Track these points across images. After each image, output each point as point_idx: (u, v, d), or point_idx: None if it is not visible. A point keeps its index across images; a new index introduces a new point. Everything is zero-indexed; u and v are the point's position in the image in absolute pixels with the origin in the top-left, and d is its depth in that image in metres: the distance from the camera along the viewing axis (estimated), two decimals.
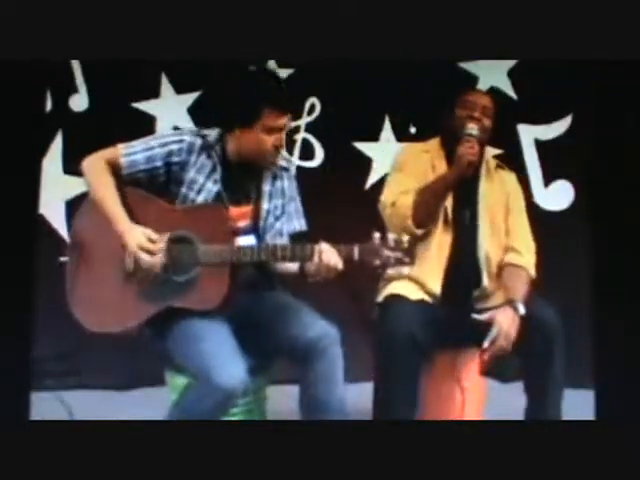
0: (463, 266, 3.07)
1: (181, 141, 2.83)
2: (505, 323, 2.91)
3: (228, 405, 2.66)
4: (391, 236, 2.68)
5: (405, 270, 2.79)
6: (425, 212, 2.99)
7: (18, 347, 3.34)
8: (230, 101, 2.85)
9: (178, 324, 2.74)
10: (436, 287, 3.04)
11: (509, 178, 3.26)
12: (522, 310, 2.93)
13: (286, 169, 2.98)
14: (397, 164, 3.20)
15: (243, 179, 2.88)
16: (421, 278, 3.05)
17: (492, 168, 3.20)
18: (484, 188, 3.15)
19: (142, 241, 2.71)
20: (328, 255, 2.65)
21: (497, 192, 3.17)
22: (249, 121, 2.76)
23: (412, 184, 3.07)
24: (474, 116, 3.06)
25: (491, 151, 3.87)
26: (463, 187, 3.06)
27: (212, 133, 2.87)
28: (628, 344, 3.40)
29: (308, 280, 2.77)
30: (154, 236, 2.73)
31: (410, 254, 2.68)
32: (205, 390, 2.61)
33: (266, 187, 2.91)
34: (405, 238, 2.68)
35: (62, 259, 2.89)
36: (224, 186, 2.84)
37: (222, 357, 2.63)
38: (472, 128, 3.02)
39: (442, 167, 3.11)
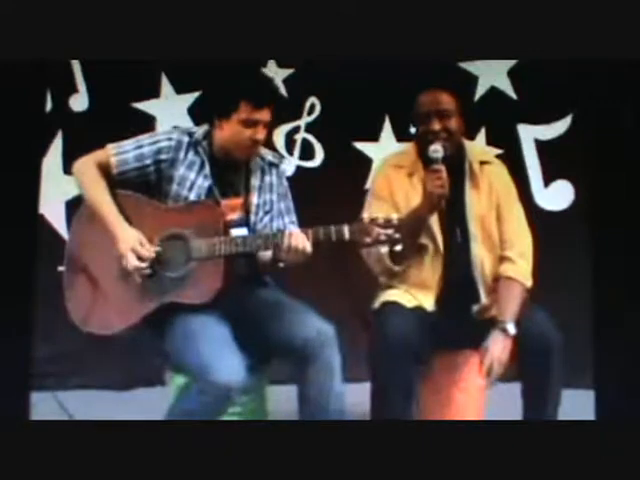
0: (459, 284, 2.99)
1: (169, 139, 2.87)
2: (497, 351, 2.87)
3: (227, 402, 2.65)
4: (380, 215, 2.66)
5: (384, 249, 2.77)
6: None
7: (18, 347, 3.35)
8: (211, 92, 2.86)
9: (175, 322, 2.75)
10: (431, 307, 2.98)
11: (498, 173, 3.12)
12: (512, 330, 2.88)
13: (275, 165, 2.99)
14: (373, 189, 3.10)
15: (231, 173, 2.91)
16: (417, 299, 3.00)
17: (477, 169, 3.06)
18: (470, 196, 3.04)
19: (134, 244, 2.74)
20: (296, 239, 2.68)
21: (485, 197, 3.05)
22: (226, 112, 2.80)
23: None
24: (434, 130, 2.94)
25: (491, 151, 3.90)
26: (449, 202, 2.93)
27: (199, 130, 2.91)
28: (628, 344, 3.40)
29: (279, 265, 2.81)
30: (146, 242, 2.75)
31: (401, 230, 2.66)
32: (203, 387, 2.61)
33: (255, 182, 2.93)
34: (395, 216, 2.66)
35: (60, 268, 2.90)
36: (214, 181, 2.86)
37: (220, 354, 2.63)
38: (435, 151, 2.87)
39: (421, 177, 3.00)
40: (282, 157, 3.06)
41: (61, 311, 2.89)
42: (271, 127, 2.96)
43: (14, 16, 2.73)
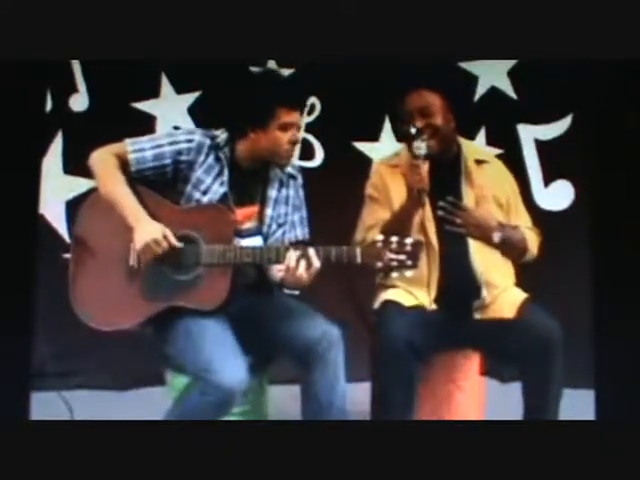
0: (459, 282, 2.99)
1: (191, 140, 2.83)
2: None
3: (228, 405, 2.65)
4: (394, 238, 2.66)
5: (395, 274, 2.77)
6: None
7: (18, 347, 3.35)
8: (242, 105, 2.87)
9: (179, 324, 2.75)
10: (430, 305, 2.97)
11: (495, 170, 3.15)
12: (496, 238, 2.97)
13: (294, 177, 2.98)
14: (369, 192, 3.12)
15: (250, 183, 2.89)
16: (416, 297, 2.99)
17: (472, 167, 3.08)
18: (466, 194, 3.06)
19: (158, 236, 2.69)
20: (294, 266, 2.66)
21: (482, 194, 3.06)
22: (264, 122, 2.79)
23: (383, 214, 3.01)
24: (417, 127, 2.96)
25: (491, 151, 3.90)
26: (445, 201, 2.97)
27: (222, 135, 2.88)
28: (628, 344, 3.40)
29: (283, 286, 2.83)
30: (169, 234, 2.72)
31: (413, 257, 2.66)
32: (206, 390, 2.61)
33: (272, 193, 2.91)
34: (408, 240, 2.66)
35: (66, 256, 2.89)
36: (230, 188, 2.84)
37: (223, 357, 2.63)
38: (418, 148, 2.90)
39: None
40: (300, 168, 3.05)
41: (61, 311, 2.89)
42: None
43: (14, 16, 2.73)
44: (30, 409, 3.38)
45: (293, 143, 2.84)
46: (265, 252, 2.74)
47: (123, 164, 2.80)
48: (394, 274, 2.69)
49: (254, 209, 2.89)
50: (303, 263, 2.67)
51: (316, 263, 2.67)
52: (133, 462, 2.32)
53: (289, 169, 2.96)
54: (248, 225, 2.86)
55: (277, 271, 2.78)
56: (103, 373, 3.96)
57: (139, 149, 2.81)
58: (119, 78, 3.95)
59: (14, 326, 3.32)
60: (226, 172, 2.85)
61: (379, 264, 2.67)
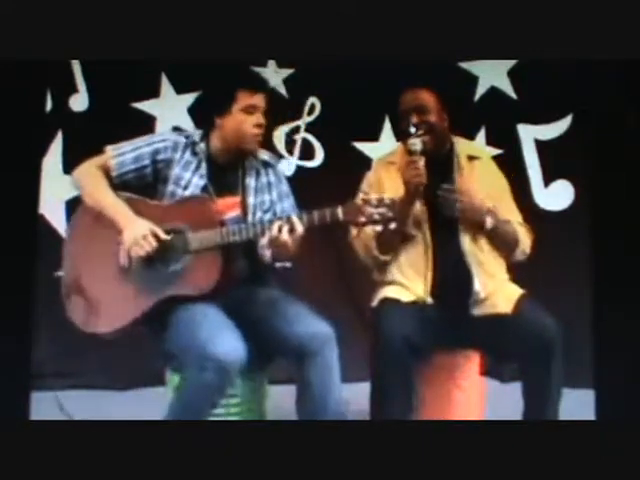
0: (453, 276, 3.01)
1: (165, 140, 2.93)
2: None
3: (227, 378, 2.64)
4: (373, 196, 2.72)
5: (394, 270, 2.81)
6: (387, 239, 2.97)
7: (18, 347, 3.35)
8: (204, 94, 2.97)
9: (173, 313, 2.77)
10: (426, 297, 3.00)
11: (486, 168, 3.18)
12: (488, 224, 2.99)
13: (271, 165, 3.03)
14: (364, 188, 3.16)
15: (227, 174, 2.95)
16: (412, 291, 3.01)
17: (464, 163, 3.12)
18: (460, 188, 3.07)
19: (146, 232, 2.75)
20: (277, 233, 2.70)
21: (474, 189, 3.08)
22: (225, 105, 2.86)
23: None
24: (412, 123, 3.02)
25: (491, 151, 3.90)
26: (438, 196, 3.01)
27: (196, 132, 2.97)
28: (628, 344, 3.40)
29: (274, 261, 2.88)
30: (158, 230, 2.77)
31: (393, 210, 2.70)
32: (203, 364, 2.60)
33: (250, 182, 2.97)
34: (386, 196, 2.72)
35: (59, 274, 2.92)
36: (210, 180, 2.90)
37: (218, 331, 2.65)
38: (413, 144, 2.96)
39: None
40: (279, 157, 3.10)
41: (61, 311, 2.89)
42: (272, 125, 3.01)
43: (14, 16, 2.73)
44: (30, 409, 3.38)
45: (259, 126, 2.89)
46: (251, 228, 2.78)
47: (106, 173, 2.89)
48: (378, 228, 2.75)
49: (236, 199, 2.94)
50: (286, 229, 2.71)
51: (299, 228, 2.72)
52: (133, 462, 2.32)
53: (264, 157, 3.02)
54: (230, 215, 2.90)
55: (266, 249, 2.82)
56: (103, 373, 3.96)
57: (120, 153, 2.90)
58: (119, 78, 3.95)
59: (14, 326, 3.32)
60: (204, 165, 2.92)
61: (362, 218, 2.71)
